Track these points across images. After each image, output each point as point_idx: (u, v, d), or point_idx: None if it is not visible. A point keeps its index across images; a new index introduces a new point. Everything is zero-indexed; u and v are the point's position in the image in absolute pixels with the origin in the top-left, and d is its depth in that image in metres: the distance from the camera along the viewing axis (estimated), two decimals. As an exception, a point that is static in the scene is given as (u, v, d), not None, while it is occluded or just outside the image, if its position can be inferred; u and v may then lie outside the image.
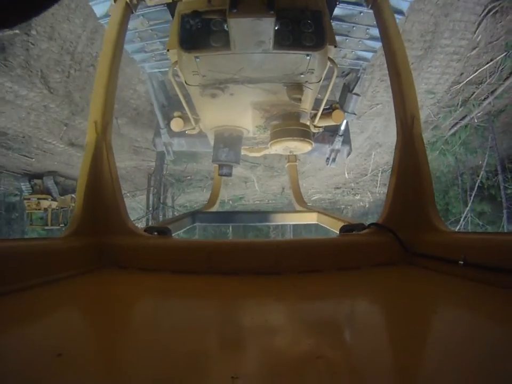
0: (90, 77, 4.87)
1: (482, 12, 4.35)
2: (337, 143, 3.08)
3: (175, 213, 11.30)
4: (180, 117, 2.61)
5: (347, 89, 2.81)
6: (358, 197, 12.53)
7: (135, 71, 4.49)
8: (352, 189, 11.81)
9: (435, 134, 7.00)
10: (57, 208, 9.50)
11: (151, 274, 1.18)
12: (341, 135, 2.97)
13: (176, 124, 2.61)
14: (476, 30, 4.56)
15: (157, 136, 3.19)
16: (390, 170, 8.78)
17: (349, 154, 3.23)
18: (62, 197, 9.39)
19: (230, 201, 11.22)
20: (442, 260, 1.06)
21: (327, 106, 2.53)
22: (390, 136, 6.84)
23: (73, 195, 9.59)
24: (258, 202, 12.83)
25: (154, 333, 0.70)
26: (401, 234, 1.24)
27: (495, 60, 5.16)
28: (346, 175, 8.79)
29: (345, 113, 2.76)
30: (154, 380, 0.51)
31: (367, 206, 12.77)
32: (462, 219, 7.51)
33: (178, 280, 1.12)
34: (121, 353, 0.64)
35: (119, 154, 7.33)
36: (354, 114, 2.85)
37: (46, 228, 9.89)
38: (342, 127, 2.93)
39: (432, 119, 6.36)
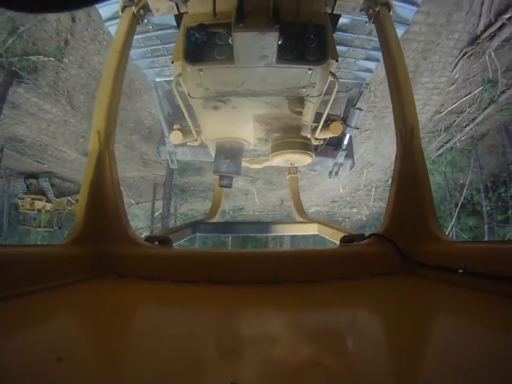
0: (113, 99, 5.46)
1: (459, 54, 4.95)
2: (340, 157, 3.15)
3: (177, 221, 11.73)
4: (179, 129, 2.65)
5: (351, 104, 2.89)
6: (355, 210, 12.78)
7: (152, 98, 5.06)
8: (348, 203, 12.07)
9: (422, 155, 7.56)
10: (51, 210, 9.25)
11: (151, 283, 1.18)
12: (344, 149, 3.03)
13: (176, 137, 2.64)
14: (454, 69, 5.15)
15: (161, 145, 3.26)
16: (382, 186, 9.33)
17: (351, 168, 3.28)
18: (58, 199, 9.17)
19: (231, 212, 11.61)
20: (442, 269, 1.06)
21: (327, 119, 2.56)
22: (380, 157, 7.42)
23: (69, 198, 9.50)
24: (258, 213, 12.98)
25: (154, 341, 0.70)
26: (402, 244, 1.25)
27: (473, 93, 5.77)
28: (341, 190, 9.31)
29: (348, 128, 2.83)
30: None
31: (364, 218, 13.14)
32: (447, 233, 8.01)
33: (178, 290, 1.13)
34: (120, 360, 0.64)
35: (129, 165, 7.92)
36: (357, 128, 2.92)
37: (39, 229, 9.68)
38: (345, 142, 2.97)
39: (418, 143, 6.95)
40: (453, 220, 8.15)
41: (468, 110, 6.10)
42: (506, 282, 0.84)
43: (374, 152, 7.13)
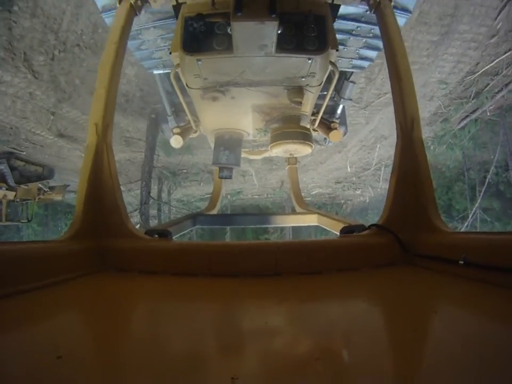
0: (75, 58, 4.45)
1: (506, -5, 4.00)
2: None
3: (172, 208, 11.03)
4: (178, 133, 2.64)
5: (344, 77, 2.83)
6: (358, 192, 12.38)
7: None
8: (353, 183, 11.61)
9: (444, 127, 6.69)
10: (17, 200, 7.70)
11: (151, 277, 1.19)
12: (337, 118, 2.99)
13: (176, 141, 2.64)
14: (497, 17, 4.21)
15: (164, 123, 3.24)
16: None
17: (345, 134, 3.28)
18: (25, 186, 7.68)
19: (228, 196, 10.95)
20: (442, 260, 1.06)
21: (328, 121, 2.63)
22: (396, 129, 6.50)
23: (40, 184, 8.00)
24: (257, 196, 12.39)
25: (155, 335, 0.71)
26: (402, 235, 1.25)
27: (513, 50, 4.83)
28: (348, 168, 8.48)
29: (342, 99, 2.82)
30: (155, 381, 0.52)
31: (367, 201, 12.63)
32: (470, 215, 7.22)
33: (179, 283, 1.13)
34: (121, 356, 0.64)
35: (111, 145, 6.95)
36: (350, 99, 2.91)
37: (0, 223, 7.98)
38: (339, 111, 2.96)
39: (442, 111, 6.03)
40: (478, 201, 7.27)
41: (504, 71, 5.16)
42: (507, 274, 0.83)
43: (390, 123, 6.17)
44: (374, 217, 12.42)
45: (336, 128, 2.64)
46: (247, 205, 14.02)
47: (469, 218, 7.13)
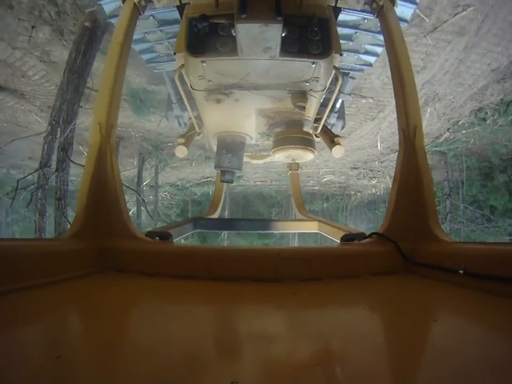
0: None
1: None
2: (332, 118, 3.07)
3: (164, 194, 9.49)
4: (183, 144, 2.72)
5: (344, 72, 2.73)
6: (374, 182, 10.97)
7: None
8: (371, 171, 10.07)
9: (503, 99, 4.87)
10: None
11: (151, 279, 1.20)
12: (336, 112, 3.01)
13: (181, 151, 2.74)
14: None
15: (169, 110, 3.26)
16: (432, 145, 6.78)
17: (343, 127, 3.29)
18: None
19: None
20: (442, 269, 1.08)
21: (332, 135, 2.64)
22: (458, 85, 4.59)
23: None
24: (259, 182, 11.35)
25: (153, 338, 0.71)
26: (402, 244, 1.26)
27: None
28: (379, 146, 6.68)
29: (341, 94, 2.78)
30: (154, 383, 0.52)
31: (378, 193, 11.61)
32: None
33: (178, 286, 1.15)
34: (119, 357, 0.64)
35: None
36: (349, 95, 2.94)
37: None
38: (338, 105, 2.99)
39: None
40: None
41: None
42: (506, 283, 0.85)
43: (455, 72, 4.29)
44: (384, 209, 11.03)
45: (339, 144, 2.57)
46: (248, 192, 12.66)
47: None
